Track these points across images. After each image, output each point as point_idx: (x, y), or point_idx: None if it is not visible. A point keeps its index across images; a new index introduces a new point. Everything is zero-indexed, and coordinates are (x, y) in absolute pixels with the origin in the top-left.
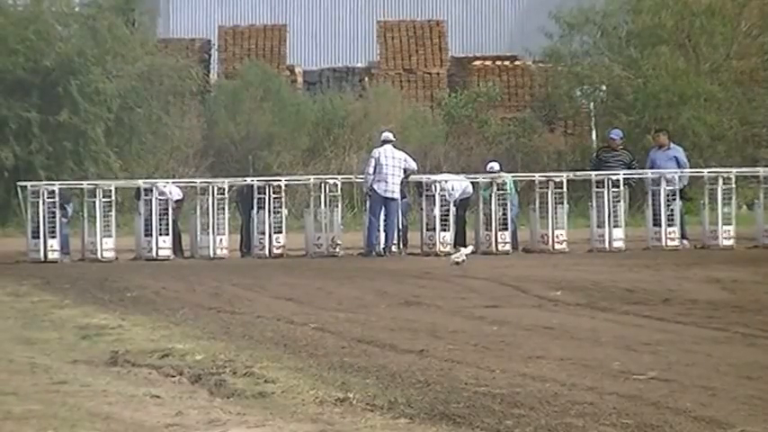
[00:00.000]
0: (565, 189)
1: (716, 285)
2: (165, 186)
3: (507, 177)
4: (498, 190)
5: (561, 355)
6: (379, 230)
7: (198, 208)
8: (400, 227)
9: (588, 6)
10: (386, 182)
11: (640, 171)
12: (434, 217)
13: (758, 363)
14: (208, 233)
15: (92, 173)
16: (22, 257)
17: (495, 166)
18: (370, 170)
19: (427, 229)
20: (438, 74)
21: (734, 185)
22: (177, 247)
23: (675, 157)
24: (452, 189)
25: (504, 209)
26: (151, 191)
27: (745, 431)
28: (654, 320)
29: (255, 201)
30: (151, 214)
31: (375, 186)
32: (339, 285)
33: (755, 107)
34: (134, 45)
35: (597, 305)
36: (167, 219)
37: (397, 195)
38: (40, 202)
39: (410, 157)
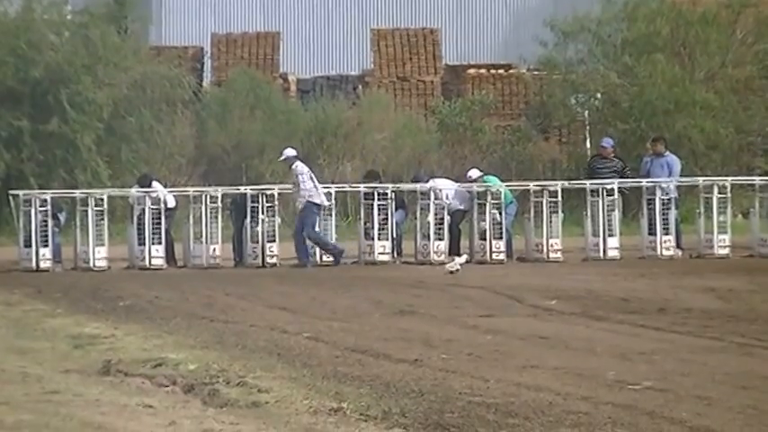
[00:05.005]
0: (560, 198)
1: (711, 294)
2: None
3: (501, 186)
4: (492, 199)
5: (556, 365)
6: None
7: (191, 217)
8: (395, 236)
9: (583, 14)
10: (320, 193)
11: (634, 179)
12: (428, 225)
13: (753, 372)
14: (201, 242)
15: (81, 181)
16: (14, 266)
17: (474, 173)
18: (311, 184)
19: (421, 238)
20: (432, 82)
21: (729, 194)
22: (170, 256)
23: (667, 163)
24: (447, 198)
25: (498, 216)
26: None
27: None
28: (649, 330)
29: (249, 209)
30: (143, 211)
31: (316, 200)
32: (333, 294)
33: (751, 115)
34: (126, 53)
35: (592, 314)
36: (160, 227)
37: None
38: (32, 211)
39: None
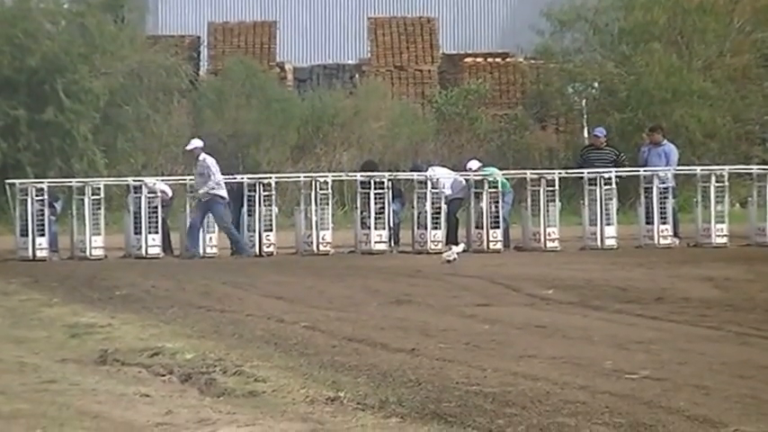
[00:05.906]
0: (557, 187)
1: (709, 284)
2: (154, 184)
3: (498, 175)
4: (490, 188)
5: (553, 354)
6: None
7: (187, 206)
8: (392, 225)
9: (580, 3)
10: (223, 186)
11: (631, 168)
12: (426, 215)
13: (751, 361)
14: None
15: (77, 170)
16: (11, 256)
17: (473, 164)
18: (220, 177)
19: (418, 228)
20: (429, 71)
21: (727, 183)
22: (167, 245)
23: (665, 152)
24: (443, 186)
25: (495, 206)
26: (140, 188)
27: (739, 430)
28: (646, 319)
29: (245, 198)
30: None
31: (222, 193)
32: (330, 284)
33: (748, 104)
34: (123, 42)
35: (589, 303)
36: (157, 217)
37: None
38: (29, 200)
39: None
